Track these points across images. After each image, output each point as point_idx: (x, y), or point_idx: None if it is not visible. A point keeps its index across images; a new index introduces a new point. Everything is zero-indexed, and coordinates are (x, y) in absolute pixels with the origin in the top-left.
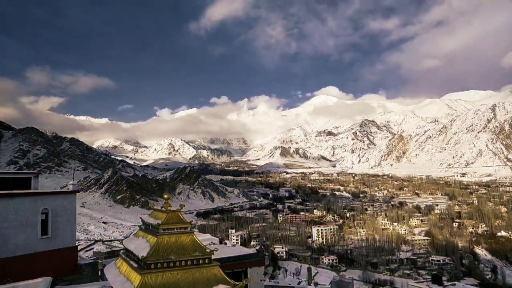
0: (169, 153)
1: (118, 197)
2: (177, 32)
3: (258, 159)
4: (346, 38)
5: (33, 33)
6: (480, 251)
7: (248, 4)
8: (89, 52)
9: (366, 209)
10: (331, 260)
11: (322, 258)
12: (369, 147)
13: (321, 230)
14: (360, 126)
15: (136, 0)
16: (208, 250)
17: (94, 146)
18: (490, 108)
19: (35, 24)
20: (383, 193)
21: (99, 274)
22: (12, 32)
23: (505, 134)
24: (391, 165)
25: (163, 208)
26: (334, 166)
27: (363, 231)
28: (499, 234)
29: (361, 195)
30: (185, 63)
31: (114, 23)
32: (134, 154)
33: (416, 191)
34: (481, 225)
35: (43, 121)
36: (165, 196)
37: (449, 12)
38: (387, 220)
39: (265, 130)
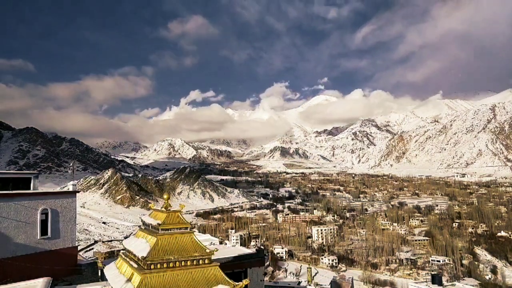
0: (169, 153)
1: (118, 197)
2: (185, 47)
3: (258, 159)
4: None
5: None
6: (480, 251)
7: (251, 48)
8: (92, 54)
9: (366, 209)
10: (331, 260)
11: (322, 258)
12: (369, 147)
13: (321, 230)
14: (360, 126)
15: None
16: (208, 251)
17: (94, 146)
18: (490, 108)
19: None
20: (383, 193)
21: (99, 274)
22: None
23: (505, 134)
24: (391, 165)
25: (163, 208)
26: (334, 166)
27: (363, 231)
28: (499, 234)
29: (361, 195)
30: (187, 67)
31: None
32: (134, 154)
33: (416, 191)
34: (481, 225)
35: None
36: (165, 196)
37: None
38: (387, 220)
39: (265, 130)
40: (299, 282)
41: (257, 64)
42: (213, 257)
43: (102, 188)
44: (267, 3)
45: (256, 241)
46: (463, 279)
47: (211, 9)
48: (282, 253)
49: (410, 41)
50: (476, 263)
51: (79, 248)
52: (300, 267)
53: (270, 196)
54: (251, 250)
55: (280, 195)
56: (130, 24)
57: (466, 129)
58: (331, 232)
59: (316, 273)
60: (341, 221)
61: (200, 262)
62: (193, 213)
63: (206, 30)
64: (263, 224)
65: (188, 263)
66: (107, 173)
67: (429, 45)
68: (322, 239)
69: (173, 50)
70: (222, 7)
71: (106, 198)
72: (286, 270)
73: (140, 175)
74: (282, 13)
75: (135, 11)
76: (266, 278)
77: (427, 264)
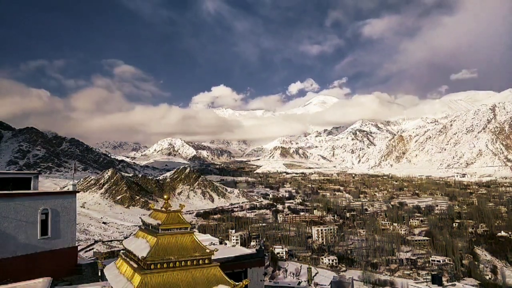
0: (169, 153)
1: (118, 197)
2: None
3: (258, 159)
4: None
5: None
6: (480, 251)
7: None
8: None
9: (366, 209)
10: (331, 260)
11: (322, 259)
12: (369, 147)
13: (321, 230)
14: (360, 126)
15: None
16: (208, 251)
17: (94, 146)
18: (490, 109)
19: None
20: (383, 193)
21: (99, 274)
22: None
23: (505, 134)
24: (391, 165)
25: (163, 209)
26: (334, 167)
27: (363, 231)
28: (499, 234)
29: (361, 195)
30: (186, 66)
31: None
32: (134, 154)
33: (416, 191)
34: (481, 225)
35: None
36: (165, 197)
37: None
38: (387, 220)
39: (265, 130)
40: (299, 282)
41: (256, 86)
42: (213, 257)
43: (102, 188)
44: (266, 44)
45: (256, 241)
46: (463, 279)
47: (220, 49)
48: (282, 253)
49: (387, 68)
50: (476, 263)
51: (79, 248)
52: (300, 267)
53: (270, 196)
54: (251, 250)
55: (280, 195)
56: (150, 56)
57: (466, 129)
58: (331, 232)
59: (316, 273)
60: (341, 221)
61: (200, 262)
62: (193, 213)
63: (215, 65)
64: (263, 224)
65: (188, 263)
66: (107, 173)
67: (403, 71)
68: (322, 239)
69: (181, 65)
70: (228, 47)
71: (106, 198)
72: (286, 270)
73: (140, 175)
74: (277, 51)
75: (156, 47)
76: (266, 278)
77: (427, 264)
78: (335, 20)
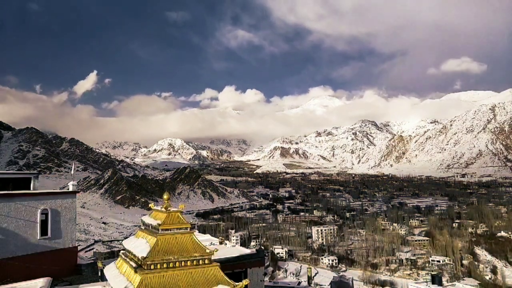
0: (169, 154)
1: (118, 197)
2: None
3: (258, 159)
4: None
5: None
6: (480, 251)
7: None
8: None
9: (366, 210)
10: (331, 261)
11: (322, 259)
12: (369, 147)
13: (321, 230)
14: (360, 127)
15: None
16: (208, 251)
17: (94, 146)
18: (490, 109)
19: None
20: (383, 193)
21: (99, 274)
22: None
23: (505, 134)
24: (390, 165)
25: (163, 209)
26: (334, 167)
27: (363, 231)
28: (499, 234)
29: (361, 195)
30: (187, 66)
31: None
32: (134, 154)
33: (416, 191)
34: (481, 226)
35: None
36: (165, 197)
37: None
38: (387, 221)
39: (265, 130)
40: (299, 282)
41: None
42: (213, 257)
43: (102, 188)
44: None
45: (256, 242)
46: (463, 279)
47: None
48: (282, 253)
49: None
50: (476, 263)
51: (79, 248)
52: (300, 267)
53: (270, 196)
54: (251, 250)
55: (280, 195)
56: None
57: (466, 129)
58: (331, 232)
59: (316, 273)
60: (341, 221)
61: (200, 262)
62: (193, 213)
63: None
64: (263, 225)
65: (188, 263)
66: (107, 173)
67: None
68: (322, 239)
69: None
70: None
71: (106, 198)
72: (286, 270)
73: (140, 175)
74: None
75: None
76: (266, 278)
77: (427, 264)
78: (312, 71)
